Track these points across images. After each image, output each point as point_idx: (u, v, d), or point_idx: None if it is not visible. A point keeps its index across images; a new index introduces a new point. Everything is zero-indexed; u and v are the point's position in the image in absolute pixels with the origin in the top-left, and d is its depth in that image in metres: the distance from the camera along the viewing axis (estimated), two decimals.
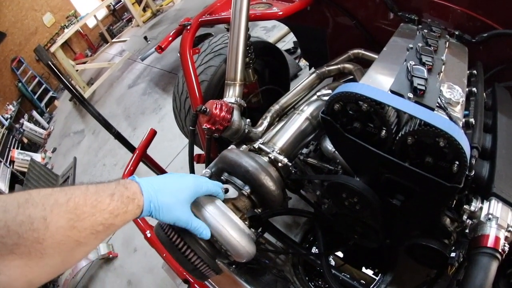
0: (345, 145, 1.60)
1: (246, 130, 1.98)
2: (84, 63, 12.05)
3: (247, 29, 2.16)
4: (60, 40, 10.01)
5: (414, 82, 1.47)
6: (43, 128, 10.71)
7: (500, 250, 1.29)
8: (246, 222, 1.59)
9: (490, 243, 1.30)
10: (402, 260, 2.94)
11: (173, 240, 1.44)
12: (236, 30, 2.14)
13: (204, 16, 2.81)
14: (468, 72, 2.00)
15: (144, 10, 13.41)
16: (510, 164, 1.59)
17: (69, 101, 10.63)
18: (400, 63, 1.68)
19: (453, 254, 1.51)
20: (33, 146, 9.94)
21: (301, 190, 2.26)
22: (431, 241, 1.72)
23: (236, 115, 1.95)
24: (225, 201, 1.55)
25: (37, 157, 8.38)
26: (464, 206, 1.48)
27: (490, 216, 1.37)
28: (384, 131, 1.42)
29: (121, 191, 1.11)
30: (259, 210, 1.70)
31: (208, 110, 1.85)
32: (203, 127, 1.91)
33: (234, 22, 2.14)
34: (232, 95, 2.08)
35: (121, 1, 14.41)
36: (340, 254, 3.18)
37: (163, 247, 1.51)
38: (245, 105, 2.10)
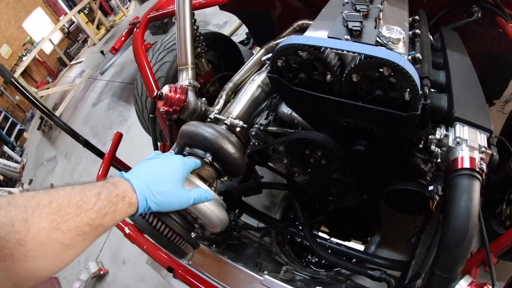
0: (297, 100, 1.63)
1: (203, 108, 2.01)
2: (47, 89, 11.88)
3: (192, 15, 2.21)
4: (20, 69, 9.95)
5: (349, 25, 1.50)
6: (16, 162, 10.50)
7: (478, 170, 1.30)
8: (213, 188, 1.61)
9: (466, 163, 1.32)
10: (387, 221, 2.99)
11: (146, 218, 1.44)
12: (182, 18, 2.17)
13: (152, 13, 2.89)
14: (410, 19, 2.04)
15: (97, 28, 13.29)
16: (467, 91, 1.63)
17: (37, 130, 10.49)
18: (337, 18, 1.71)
19: (431, 188, 1.51)
20: (9, 181, 9.74)
21: (269, 163, 2.29)
22: (407, 183, 1.77)
23: (191, 95, 1.99)
24: None
25: (15, 191, 8.21)
26: (429, 136, 1.51)
27: (458, 140, 1.39)
28: (329, 75, 1.44)
29: (109, 189, 1.06)
30: (225, 179, 1.73)
31: (164, 94, 1.90)
32: (161, 110, 1.94)
33: (179, 11, 2.17)
34: (185, 78, 2.12)
35: (74, 22, 14.25)
36: (326, 232, 3.22)
37: (136, 226, 1.51)
38: (199, 86, 2.14)
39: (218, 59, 3.49)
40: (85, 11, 13.44)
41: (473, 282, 1.37)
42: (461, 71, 1.79)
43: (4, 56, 13.01)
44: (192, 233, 1.58)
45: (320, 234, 3.23)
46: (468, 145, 1.37)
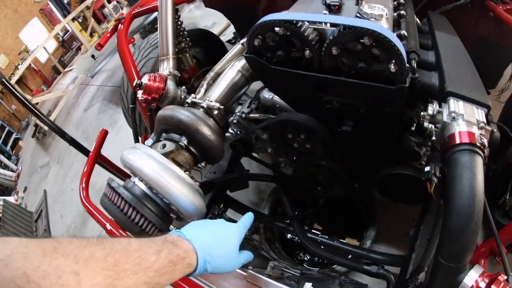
0: (277, 80, 1.57)
1: (183, 96, 1.99)
2: None
3: (174, 9, 2.24)
4: (15, 77, 10.07)
5: (328, 1, 1.44)
6: (12, 170, 10.50)
7: (479, 145, 1.18)
8: (187, 173, 1.54)
9: (464, 138, 1.20)
10: (382, 214, 2.92)
11: (117, 205, 1.41)
12: (164, 10, 2.21)
13: (136, 9, 2.95)
14: (395, 2, 1.98)
15: (91, 35, 13.37)
16: (459, 67, 1.54)
17: (31, 137, 10.48)
18: None
19: (427, 169, 1.38)
20: (5, 190, 9.73)
21: (254, 154, 2.23)
22: (401, 168, 1.68)
23: (170, 84, 1.98)
24: (165, 155, 1.50)
25: (11, 199, 8.17)
26: (421, 113, 1.41)
27: (453, 114, 1.28)
28: (307, 50, 1.38)
29: (170, 249, 1.00)
30: (203, 165, 1.67)
31: (143, 83, 1.88)
32: (140, 98, 1.92)
33: (161, 3, 2.20)
34: (166, 68, 2.12)
35: (68, 31, 14.35)
36: (319, 230, 3.14)
37: (110, 214, 1.48)
38: (179, 75, 2.14)
39: (204, 56, 3.47)
40: (79, 19, 13.59)
41: (485, 273, 1.23)
42: (452, 50, 1.72)
43: (1, 66, 13.11)
44: (173, 227, 1.54)
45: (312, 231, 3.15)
46: (465, 119, 1.26)
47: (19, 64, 12.61)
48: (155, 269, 0.92)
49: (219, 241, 1.18)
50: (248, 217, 1.41)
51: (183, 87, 2.04)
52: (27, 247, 0.75)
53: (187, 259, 1.03)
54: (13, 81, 9.68)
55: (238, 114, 2.02)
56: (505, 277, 1.21)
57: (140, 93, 1.91)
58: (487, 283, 1.20)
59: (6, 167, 10.77)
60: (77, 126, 8.06)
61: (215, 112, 1.73)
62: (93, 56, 7.73)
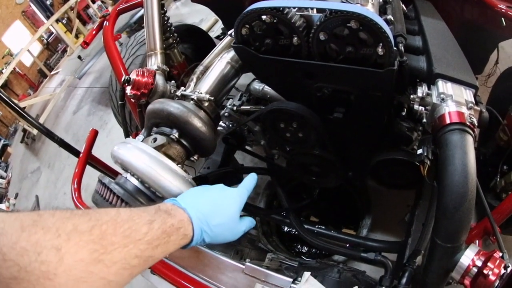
0: (266, 69, 1.57)
1: (172, 91, 1.98)
2: None
3: (159, 3, 2.24)
4: (0, 82, 9.86)
5: None
6: (1, 177, 10.39)
7: (468, 124, 1.21)
8: (180, 166, 1.53)
9: (454, 118, 1.23)
10: (377, 202, 2.93)
11: (109, 201, 1.39)
12: (149, 4, 2.20)
13: (121, 5, 2.94)
14: None
15: (76, 37, 13.21)
16: (446, 50, 1.56)
17: (20, 143, 10.38)
18: None
19: (420, 151, 1.41)
20: None
21: (247, 147, 2.23)
22: (394, 153, 1.69)
23: (159, 79, 1.97)
24: (156, 149, 1.48)
25: (2, 207, 8.09)
26: (411, 96, 1.42)
27: (442, 96, 1.31)
28: (295, 37, 1.38)
29: (163, 218, 0.95)
30: (196, 158, 1.66)
31: (131, 79, 1.88)
32: (129, 94, 1.91)
33: None
34: (154, 63, 2.12)
35: (53, 33, 14.21)
36: (316, 222, 3.15)
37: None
38: (168, 69, 2.13)
39: (192, 52, 3.47)
40: (63, 20, 13.45)
41: (480, 251, 1.24)
42: (438, 34, 1.73)
43: None
44: None
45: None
46: (454, 100, 1.28)
47: (3, 69, 12.42)
48: (147, 241, 0.87)
49: (217, 208, 1.15)
50: (251, 179, 1.37)
51: (173, 81, 2.03)
52: (3, 222, 0.70)
53: (182, 230, 0.99)
54: None
55: (229, 107, 2.02)
56: (500, 254, 1.22)
57: (128, 89, 1.89)
58: (483, 261, 1.21)
59: None
60: (66, 129, 8.00)
61: (206, 104, 1.72)
62: (79, 57, 7.68)
